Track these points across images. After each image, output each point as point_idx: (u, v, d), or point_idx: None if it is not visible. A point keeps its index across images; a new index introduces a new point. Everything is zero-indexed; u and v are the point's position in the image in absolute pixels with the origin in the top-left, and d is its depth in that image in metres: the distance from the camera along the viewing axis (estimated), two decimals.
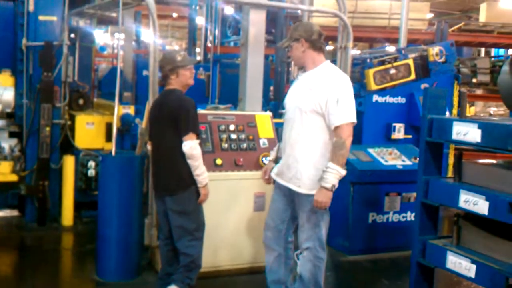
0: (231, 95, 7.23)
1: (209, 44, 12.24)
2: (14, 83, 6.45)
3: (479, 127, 3.50)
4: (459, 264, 3.55)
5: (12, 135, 6.51)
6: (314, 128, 3.78)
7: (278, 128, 5.72)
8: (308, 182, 3.79)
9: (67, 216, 6.34)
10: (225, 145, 4.98)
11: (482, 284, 3.51)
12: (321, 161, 3.76)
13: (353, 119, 3.74)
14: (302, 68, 4.03)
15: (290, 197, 3.94)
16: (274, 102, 11.03)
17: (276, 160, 4.12)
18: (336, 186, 3.70)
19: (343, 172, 3.69)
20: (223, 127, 5.07)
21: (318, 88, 3.76)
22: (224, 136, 5.02)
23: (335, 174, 3.65)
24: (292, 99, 3.96)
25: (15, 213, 6.69)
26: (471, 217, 3.64)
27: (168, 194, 4.13)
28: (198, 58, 14.38)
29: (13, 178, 6.33)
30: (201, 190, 4.08)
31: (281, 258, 4.09)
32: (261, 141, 5.14)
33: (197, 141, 4.05)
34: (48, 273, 5.10)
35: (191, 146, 3.99)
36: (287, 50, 4.11)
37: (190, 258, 4.14)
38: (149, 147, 4.45)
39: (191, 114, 4.09)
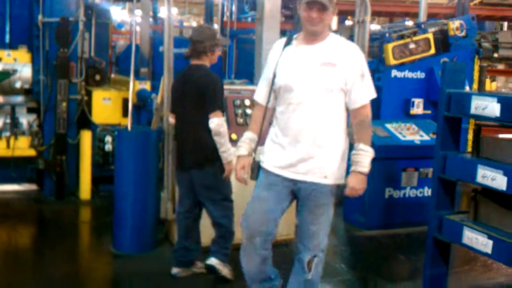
0: (247, 70, 7.19)
1: (225, 20, 12.16)
2: (31, 59, 6.48)
3: (498, 101, 3.43)
4: (476, 239, 3.51)
5: (30, 110, 6.57)
6: (338, 109, 3.23)
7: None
8: (335, 171, 3.25)
9: (85, 190, 6.42)
10: (241, 120, 4.96)
11: (499, 259, 3.48)
12: (345, 145, 3.30)
13: (374, 94, 3.34)
14: (291, 38, 3.32)
15: (290, 193, 3.33)
16: None
17: (253, 153, 3.47)
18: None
19: (373, 151, 3.27)
20: (238, 102, 5.05)
21: (342, 61, 3.19)
22: (240, 111, 5.00)
23: (370, 156, 3.23)
24: (302, 76, 3.21)
25: (33, 187, 6.78)
26: (489, 193, 3.59)
27: (195, 168, 4.17)
28: None
29: (32, 152, 6.41)
30: (225, 166, 4.10)
31: (267, 259, 3.45)
32: None
33: (223, 118, 4.10)
34: (66, 245, 5.18)
35: (218, 123, 4.03)
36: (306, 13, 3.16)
37: (224, 228, 4.24)
38: (171, 119, 4.46)
39: (219, 91, 4.13)
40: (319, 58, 3.20)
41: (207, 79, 4.12)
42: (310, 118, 3.19)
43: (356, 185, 3.22)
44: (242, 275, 3.53)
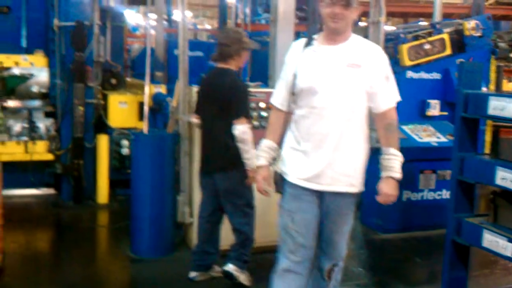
0: (262, 72, 7.18)
1: (239, 22, 12.17)
2: (47, 63, 6.54)
3: None
4: (496, 242, 3.47)
5: (47, 115, 6.62)
6: (362, 112, 3.06)
7: None
8: (360, 178, 3.12)
9: (102, 194, 6.45)
10: (256, 123, 4.95)
11: None
12: (367, 150, 3.16)
13: (399, 97, 3.18)
14: (311, 38, 3.13)
15: (319, 204, 3.12)
16: None
17: (273, 163, 3.25)
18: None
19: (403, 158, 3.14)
20: (253, 104, 5.04)
21: (367, 63, 3.01)
22: (255, 113, 4.99)
23: (400, 161, 3.09)
24: (327, 78, 3.00)
25: (51, 191, 6.83)
26: (508, 195, 3.55)
27: (219, 172, 4.17)
28: None
29: (49, 157, 6.47)
30: (249, 172, 4.07)
31: (316, 281, 3.29)
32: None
33: (248, 126, 4.07)
34: (83, 249, 5.21)
35: (242, 130, 4.02)
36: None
37: (243, 235, 4.24)
38: (194, 120, 4.44)
39: (244, 99, 4.14)
40: (344, 58, 3.01)
41: (233, 85, 4.10)
42: (336, 123, 2.99)
43: (389, 191, 3.09)
44: (258, 282, 3.50)
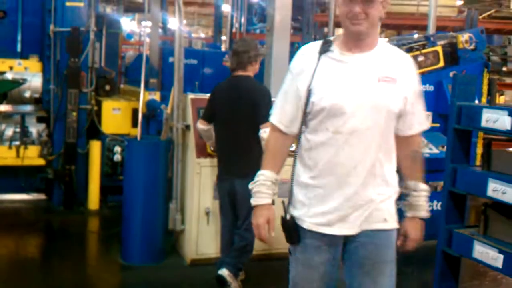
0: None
1: (234, 31, 12.21)
2: (42, 68, 6.53)
3: (509, 114, 3.41)
4: (486, 253, 3.48)
5: (39, 120, 6.61)
6: (392, 136, 2.46)
7: None
8: (394, 212, 2.49)
9: (93, 200, 6.43)
10: None
11: (510, 274, 3.44)
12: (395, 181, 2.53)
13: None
14: (328, 43, 2.45)
15: (338, 251, 2.47)
16: None
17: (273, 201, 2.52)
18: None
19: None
20: None
21: (402, 76, 2.40)
22: None
23: (427, 196, 2.61)
24: (357, 96, 2.34)
25: (42, 196, 6.80)
26: (499, 207, 3.57)
27: (240, 177, 4.16)
28: (223, 45, 14.38)
29: (41, 162, 6.44)
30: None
31: None
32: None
33: None
34: (74, 255, 5.18)
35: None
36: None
37: (246, 241, 4.24)
38: (202, 126, 4.41)
39: (270, 103, 4.19)
40: (376, 71, 2.37)
41: (261, 90, 4.28)
42: (367, 151, 2.36)
43: (418, 235, 2.56)
44: None
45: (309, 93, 2.38)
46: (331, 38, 2.48)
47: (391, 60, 2.42)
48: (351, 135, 2.34)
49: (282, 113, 2.53)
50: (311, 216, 2.40)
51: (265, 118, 4.04)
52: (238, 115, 4.22)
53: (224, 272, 4.23)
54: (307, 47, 2.51)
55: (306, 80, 2.39)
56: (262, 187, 2.48)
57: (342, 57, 2.38)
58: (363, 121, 2.33)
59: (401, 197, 2.60)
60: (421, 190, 2.58)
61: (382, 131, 2.38)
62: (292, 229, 2.45)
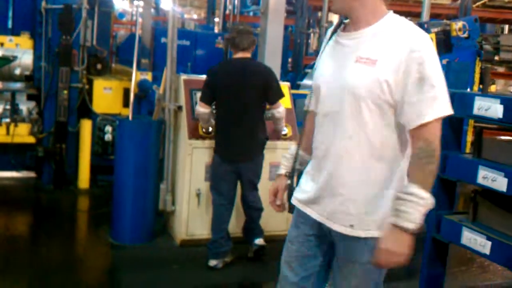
0: None
1: (228, 13, 12.13)
2: (33, 45, 6.46)
3: (501, 103, 3.43)
4: (474, 240, 3.52)
5: (30, 97, 6.55)
6: (378, 128, 2.17)
7: (296, 100, 5.69)
8: (366, 218, 2.21)
9: (83, 179, 6.41)
10: None
11: (497, 261, 3.48)
12: (391, 184, 2.21)
13: (449, 110, 2.16)
14: (341, 23, 2.34)
15: (325, 239, 2.35)
16: (292, 73, 10.95)
17: (292, 174, 2.52)
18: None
19: (432, 203, 2.08)
20: None
21: (389, 57, 2.11)
22: None
23: (422, 205, 2.04)
24: (331, 76, 2.26)
25: (32, 174, 6.78)
26: (488, 194, 3.60)
27: (245, 160, 4.34)
28: (216, 27, 14.28)
29: (31, 140, 6.41)
30: None
31: None
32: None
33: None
34: (63, 234, 5.18)
35: (283, 110, 4.50)
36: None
37: (260, 210, 4.52)
38: (203, 109, 4.37)
39: (278, 83, 4.50)
40: (358, 51, 2.18)
41: (270, 71, 4.44)
42: (334, 139, 2.22)
43: (392, 246, 2.06)
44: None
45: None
46: (347, 21, 2.34)
47: (384, 38, 2.15)
48: (325, 118, 2.28)
49: (309, 94, 2.49)
50: (296, 192, 2.44)
51: (277, 98, 4.35)
52: (246, 97, 4.27)
53: (261, 241, 4.55)
54: (331, 28, 2.44)
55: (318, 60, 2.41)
56: (283, 159, 2.58)
57: (339, 37, 2.29)
58: (333, 104, 2.23)
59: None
60: (409, 194, 2.05)
61: (353, 116, 2.17)
62: (289, 199, 2.48)
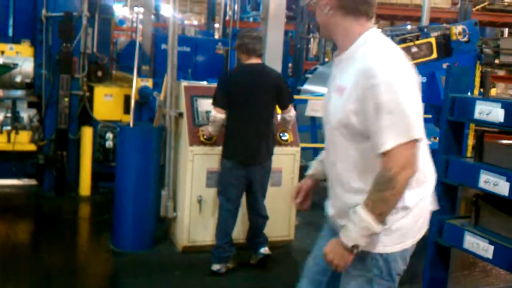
0: None
1: (228, 19, 12.15)
2: (34, 53, 6.47)
3: (502, 107, 3.43)
4: (477, 244, 3.51)
5: (31, 105, 6.55)
6: (359, 156, 2.18)
7: (296, 105, 5.68)
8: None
9: (85, 186, 6.40)
10: None
11: (499, 265, 3.48)
12: None
13: (412, 134, 2.09)
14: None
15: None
16: (292, 79, 10.96)
17: (315, 176, 2.60)
18: (361, 246, 2.09)
19: (376, 228, 2.06)
20: None
21: (351, 85, 2.11)
22: None
23: (363, 227, 2.05)
24: (324, 104, 2.38)
25: (33, 182, 6.76)
26: (490, 198, 3.60)
27: (257, 164, 4.37)
28: (216, 33, 14.31)
29: (32, 147, 6.40)
30: None
31: None
32: (278, 116, 5.11)
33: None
34: (64, 241, 5.17)
35: (294, 114, 4.68)
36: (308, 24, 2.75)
37: (266, 219, 4.56)
38: (221, 115, 4.35)
39: (288, 86, 4.72)
40: (336, 79, 2.24)
41: (281, 75, 4.65)
42: (332, 163, 2.33)
43: (330, 253, 2.14)
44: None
45: None
46: None
47: (351, 65, 2.14)
48: (327, 143, 2.36)
49: None
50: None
51: (288, 102, 4.51)
52: (261, 102, 4.34)
53: (266, 250, 4.57)
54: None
55: None
56: (314, 161, 2.63)
57: (335, 59, 2.32)
58: (326, 132, 2.33)
59: None
60: (354, 213, 2.07)
61: (333, 145, 2.26)
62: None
